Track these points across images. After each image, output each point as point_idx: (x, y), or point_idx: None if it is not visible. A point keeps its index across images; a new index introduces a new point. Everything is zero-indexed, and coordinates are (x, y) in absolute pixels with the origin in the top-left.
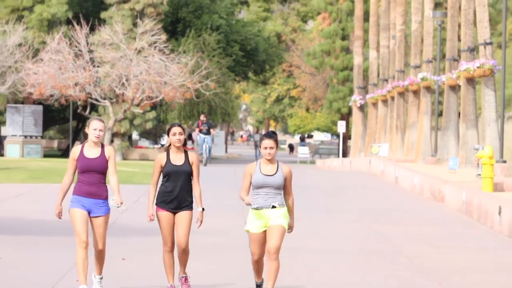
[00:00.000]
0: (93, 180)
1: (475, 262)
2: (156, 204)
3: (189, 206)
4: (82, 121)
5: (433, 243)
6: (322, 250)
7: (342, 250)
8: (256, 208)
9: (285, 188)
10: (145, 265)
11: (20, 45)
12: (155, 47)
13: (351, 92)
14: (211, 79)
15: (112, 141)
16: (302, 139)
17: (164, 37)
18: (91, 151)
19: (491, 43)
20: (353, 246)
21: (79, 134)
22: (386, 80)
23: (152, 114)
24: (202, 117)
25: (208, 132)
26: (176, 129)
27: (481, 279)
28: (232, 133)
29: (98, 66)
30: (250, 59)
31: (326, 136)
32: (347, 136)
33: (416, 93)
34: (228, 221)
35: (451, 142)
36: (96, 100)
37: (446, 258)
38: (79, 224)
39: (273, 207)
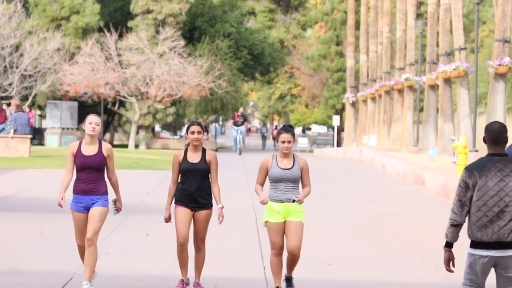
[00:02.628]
0: (90, 177)
1: None
2: (174, 202)
3: (207, 204)
4: (112, 115)
5: (415, 221)
6: (317, 227)
7: (335, 227)
8: (275, 201)
9: (302, 180)
10: (166, 240)
11: (58, 49)
12: (174, 51)
13: (344, 91)
14: (223, 79)
15: (137, 133)
16: (304, 131)
17: (182, 42)
18: (89, 148)
19: (465, 49)
20: (345, 223)
21: (109, 127)
22: (375, 80)
23: (172, 109)
24: (241, 110)
25: (242, 124)
26: (194, 128)
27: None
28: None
29: (125, 68)
30: (257, 62)
31: (322, 129)
32: (340, 129)
33: (400, 91)
34: (238, 201)
35: (430, 134)
36: (124, 97)
37: (427, 234)
38: (76, 226)
39: (293, 201)
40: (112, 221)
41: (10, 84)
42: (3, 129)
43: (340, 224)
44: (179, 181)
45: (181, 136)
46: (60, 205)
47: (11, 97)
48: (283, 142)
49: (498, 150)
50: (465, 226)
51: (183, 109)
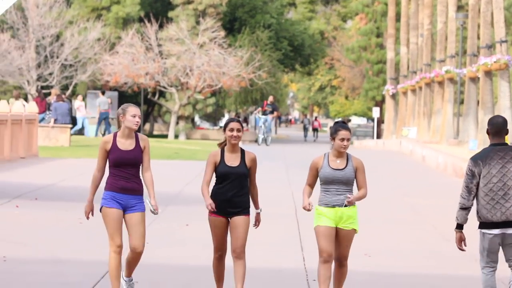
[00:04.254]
0: (128, 174)
1: None
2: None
3: (245, 210)
4: (151, 105)
5: (455, 214)
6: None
7: (375, 219)
8: (325, 206)
9: (357, 181)
10: (206, 230)
11: (99, 39)
12: (215, 42)
13: (384, 83)
14: (263, 70)
15: (177, 123)
16: (345, 123)
17: (222, 33)
18: (125, 142)
19: (506, 41)
20: (385, 215)
21: (149, 117)
22: (415, 72)
23: (212, 100)
24: (271, 99)
25: (271, 113)
26: (234, 125)
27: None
28: (279, 117)
29: (165, 58)
30: (297, 53)
31: (362, 120)
32: (380, 120)
33: (440, 83)
34: (278, 192)
35: (471, 127)
36: (164, 87)
37: (466, 226)
38: (113, 225)
39: (346, 205)
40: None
41: (50, 74)
42: (43, 118)
43: (380, 216)
44: (215, 184)
45: (220, 127)
46: (87, 217)
47: (52, 87)
48: (342, 140)
49: (500, 140)
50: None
51: (223, 100)
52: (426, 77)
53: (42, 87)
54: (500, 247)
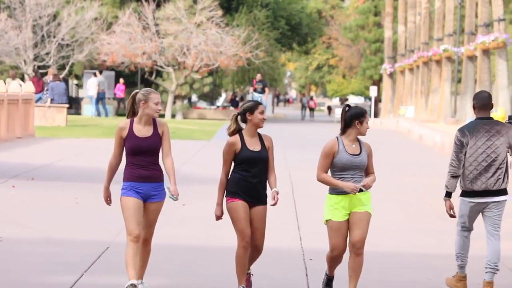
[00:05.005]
0: (146, 162)
1: None
2: (227, 195)
3: (265, 199)
4: (148, 85)
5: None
6: None
7: (373, 198)
8: (339, 193)
9: (367, 167)
10: (202, 210)
11: (95, 19)
12: (212, 21)
13: (382, 61)
14: (260, 49)
15: (174, 103)
16: (342, 102)
17: (220, 12)
18: (143, 129)
19: (504, 20)
20: (382, 194)
21: None
22: (413, 51)
23: (209, 79)
24: (259, 76)
25: (262, 91)
26: (263, 107)
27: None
28: (278, 96)
29: (163, 38)
30: (295, 32)
31: (359, 99)
32: (378, 99)
33: (438, 62)
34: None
35: (468, 105)
36: (161, 67)
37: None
38: (132, 215)
39: (360, 190)
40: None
41: (47, 54)
42: (40, 98)
43: (377, 195)
44: (237, 170)
45: (217, 106)
46: (108, 203)
47: (48, 67)
48: (361, 122)
49: (486, 114)
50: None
51: (220, 79)
52: (423, 56)
53: (39, 67)
54: (480, 215)
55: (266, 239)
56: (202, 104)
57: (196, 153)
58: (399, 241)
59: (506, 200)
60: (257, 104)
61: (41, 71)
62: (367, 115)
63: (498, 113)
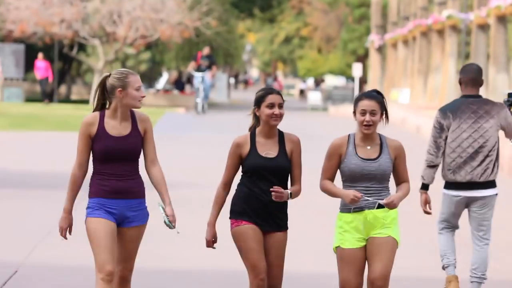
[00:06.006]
0: (122, 171)
1: None
2: (232, 216)
3: (284, 224)
4: (68, 62)
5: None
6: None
7: None
8: (353, 211)
9: (397, 174)
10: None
11: None
12: None
13: (368, 32)
14: (212, 16)
15: None
16: (318, 84)
17: None
18: (118, 126)
19: None
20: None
21: (65, 77)
22: (407, 18)
23: (146, 55)
24: (206, 50)
25: (207, 69)
26: (274, 98)
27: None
28: (236, 77)
29: (86, 1)
30: None
31: (339, 80)
32: (363, 81)
33: (440, 33)
34: None
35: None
36: (84, 38)
37: None
38: (103, 244)
39: (379, 206)
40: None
41: None
42: None
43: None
44: (243, 182)
45: (158, 90)
46: (64, 235)
47: None
48: (363, 113)
49: (474, 91)
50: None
51: (160, 55)
52: (421, 25)
53: None
54: (466, 210)
55: (227, 257)
56: None
57: None
58: (414, 261)
59: (496, 194)
60: (266, 93)
61: None
62: (364, 102)
63: None
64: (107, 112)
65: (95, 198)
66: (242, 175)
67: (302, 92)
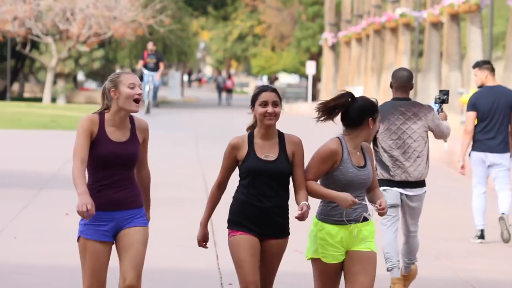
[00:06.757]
0: (119, 179)
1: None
2: (229, 226)
3: (284, 230)
4: (21, 60)
5: None
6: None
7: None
8: (335, 223)
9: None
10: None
11: None
12: None
13: (321, 30)
14: (165, 14)
15: (55, 83)
16: (272, 82)
17: None
18: (117, 131)
19: None
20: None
21: (18, 75)
22: (361, 16)
23: (99, 53)
24: (151, 46)
25: (155, 68)
26: (269, 96)
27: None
28: (189, 74)
29: None
30: None
31: (293, 78)
32: (317, 78)
33: (394, 31)
34: (186, 171)
35: (432, 85)
36: (38, 36)
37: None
38: (94, 266)
39: (364, 219)
40: (21, 196)
41: None
42: None
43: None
44: (240, 187)
45: None
46: (87, 215)
47: None
48: (375, 120)
49: (403, 95)
50: None
51: (113, 53)
52: (375, 23)
53: None
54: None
55: (176, 257)
56: (91, 84)
57: None
58: None
59: (425, 192)
60: (259, 91)
61: None
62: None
63: (470, 94)
64: (107, 116)
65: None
66: (239, 181)
67: None
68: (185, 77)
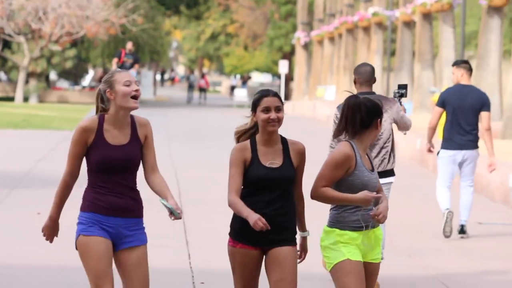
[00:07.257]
0: (120, 184)
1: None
2: (230, 233)
3: (291, 236)
4: None
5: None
6: None
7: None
8: (355, 229)
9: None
10: (63, 221)
11: None
12: None
13: (294, 29)
14: (138, 13)
15: (27, 82)
16: (245, 80)
17: None
18: (118, 133)
19: None
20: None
21: None
22: (333, 15)
23: (72, 52)
24: (130, 46)
25: (131, 67)
26: (271, 101)
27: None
28: (162, 74)
29: None
30: None
31: (266, 77)
32: (289, 78)
33: (366, 30)
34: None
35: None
36: (10, 35)
37: (401, 207)
38: (98, 264)
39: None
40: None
41: None
42: None
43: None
44: (243, 195)
45: (83, 87)
46: (50, 240)
47: None
48: (381, 121)
49: (368, 89)
50: None
51: (86, 52)
52: (347, 22)
53: None
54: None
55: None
56: (64, 83)
57: (55, 147)
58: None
59: (391, 182)
60: (261, 96)
61: None
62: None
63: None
64: (106, 118)
65: (89, 213)
66: (242, 189)
67: (233, 88)
68: (158, 76)
